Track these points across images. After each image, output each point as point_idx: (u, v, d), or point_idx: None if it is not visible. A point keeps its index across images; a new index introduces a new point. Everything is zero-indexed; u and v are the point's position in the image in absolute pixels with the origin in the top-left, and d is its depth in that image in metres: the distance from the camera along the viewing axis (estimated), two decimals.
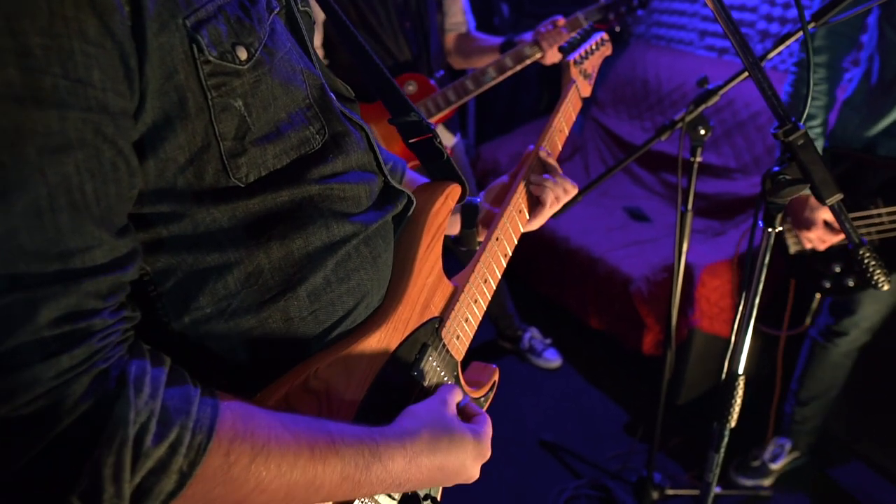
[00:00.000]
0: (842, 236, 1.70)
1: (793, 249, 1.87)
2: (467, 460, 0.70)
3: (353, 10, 2.01)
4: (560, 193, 1.00)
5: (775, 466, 2.17)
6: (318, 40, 2.00)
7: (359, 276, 0.69)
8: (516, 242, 0.96)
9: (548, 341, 2.87)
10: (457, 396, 0.76)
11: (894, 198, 1.66)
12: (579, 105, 1.18)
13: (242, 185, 0.58)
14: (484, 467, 0.73)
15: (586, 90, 1.21)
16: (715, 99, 1.38)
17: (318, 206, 0.64)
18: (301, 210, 0.63)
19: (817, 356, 2.05)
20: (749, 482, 2.17)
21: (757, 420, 2.26)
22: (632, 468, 2.23)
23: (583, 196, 1.64)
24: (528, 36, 2.08)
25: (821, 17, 1.24)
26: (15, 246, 0.44)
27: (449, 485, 0.72)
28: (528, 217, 1.00)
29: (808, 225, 1.72)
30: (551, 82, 4.25)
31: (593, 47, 1.24)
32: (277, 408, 0.61)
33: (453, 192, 0.82)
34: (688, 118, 1.42)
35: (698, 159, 1.50)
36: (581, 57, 1.20)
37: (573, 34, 1.42)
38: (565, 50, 1.18)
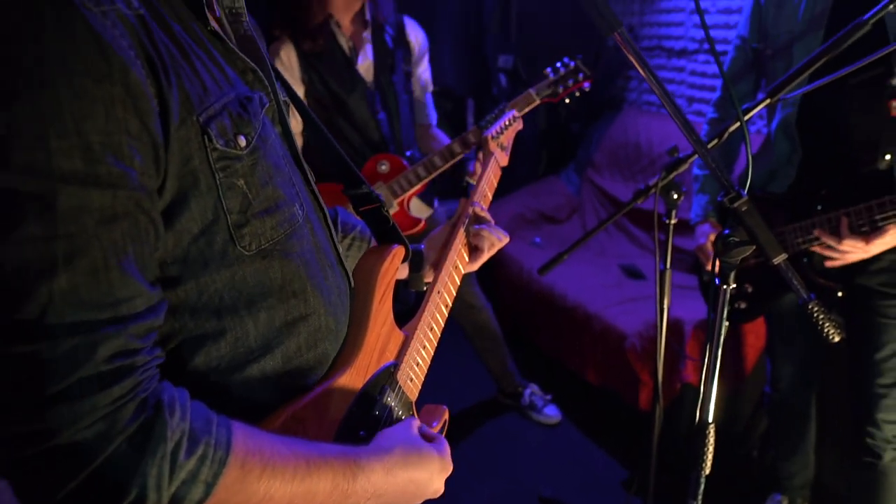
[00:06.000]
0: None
1: (706, 278, 1.97)
2: (434, 473, 0.80)
3: (331, 99, 2.24)
4: (495, 240, 1.17)
5: None
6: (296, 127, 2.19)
7: (324, 345, 0.80)
8: (455, 293, 1.11)
9: (548, 397, 2.92)
10: (418, 423, 0.87)
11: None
12: (499, 174, 1.39)
13: (247, 254, 0.69)
14: None
15: (504, 160, 1.43)
16: (684, 167, 1.49)
17: (300, 280, 0.76)
18: (287, 284, 0.74)
19: (775, 410, 2.12)
20: None
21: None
22: None
23: (568, 255, 1.75)
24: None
25: (775, 93, 1.38)
26: (77, 299, 0.54)
27: (419, 500, 0.81)
28: (462, 269, 1.16)
29: None
30: (550, 144, 4.44)
31: (507, 123, 1.46)
32: None
33: (398, 253, 0.98)
34: (660, 184, 1.53)
35: (674, 221, 1.61)
36: (497, 132, 1.41)
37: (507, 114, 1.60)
38: (482, 127, 1.37)
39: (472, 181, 2.10)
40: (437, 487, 0.82)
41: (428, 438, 0.85)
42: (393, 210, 2.22)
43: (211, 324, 0.69)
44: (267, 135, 0.74)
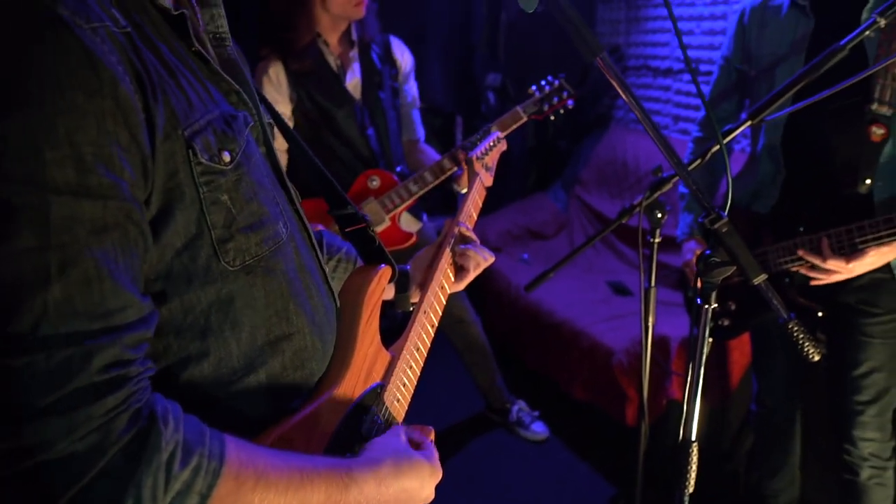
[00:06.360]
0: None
1: (691, 294, 1.99)
2: (425, 480, 0.80)
3: (320, 115, 2.26)
4: (480, 260, 1.18)
5: None
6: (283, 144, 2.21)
7: (311, 365, 0.80)
8: (441, 313, 1.11)
9: (535, 414, 2.92)
10: (405, 432, 0.87)
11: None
12: (484, 194, 1.40)
13: (231, 269, 0.69)
14: None
15: (489, 181, 1.45)
16: (667, 186, 1.51)
17: (283, 298, 0.76)
18: (271, 302, 0.74)
19: (761, 427, 2.13)
20: None
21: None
22: None
23: (554, 272, 1.76)
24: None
25: (756, 115, 1.40)
26: (71, 309, 0.54)
27: None
28: (448, 289, 1.16)
29: None
30: (538, 161, 4.47)
31: (492, 144, 1.48)
32: None
33: (385, 273, 0.98)
34: (645, 203, 1.55)
35: (657, 239, 1.63)
36: (482, 153, 1.44)
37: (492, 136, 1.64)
38: (467, 148, 1.38)
39: (461, 189, 2.13)
40: (428, 494, 0.82)
41: (415, 445, 0.85)
42: (385, 224, 2.23)
43: (195, 345, 0.69)
44: (251, 153, 0.75)
